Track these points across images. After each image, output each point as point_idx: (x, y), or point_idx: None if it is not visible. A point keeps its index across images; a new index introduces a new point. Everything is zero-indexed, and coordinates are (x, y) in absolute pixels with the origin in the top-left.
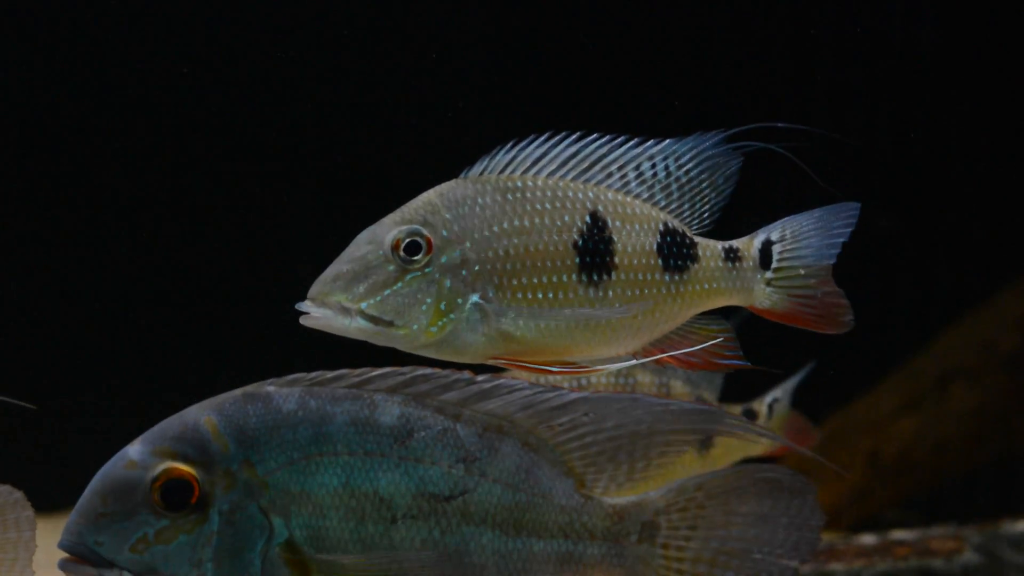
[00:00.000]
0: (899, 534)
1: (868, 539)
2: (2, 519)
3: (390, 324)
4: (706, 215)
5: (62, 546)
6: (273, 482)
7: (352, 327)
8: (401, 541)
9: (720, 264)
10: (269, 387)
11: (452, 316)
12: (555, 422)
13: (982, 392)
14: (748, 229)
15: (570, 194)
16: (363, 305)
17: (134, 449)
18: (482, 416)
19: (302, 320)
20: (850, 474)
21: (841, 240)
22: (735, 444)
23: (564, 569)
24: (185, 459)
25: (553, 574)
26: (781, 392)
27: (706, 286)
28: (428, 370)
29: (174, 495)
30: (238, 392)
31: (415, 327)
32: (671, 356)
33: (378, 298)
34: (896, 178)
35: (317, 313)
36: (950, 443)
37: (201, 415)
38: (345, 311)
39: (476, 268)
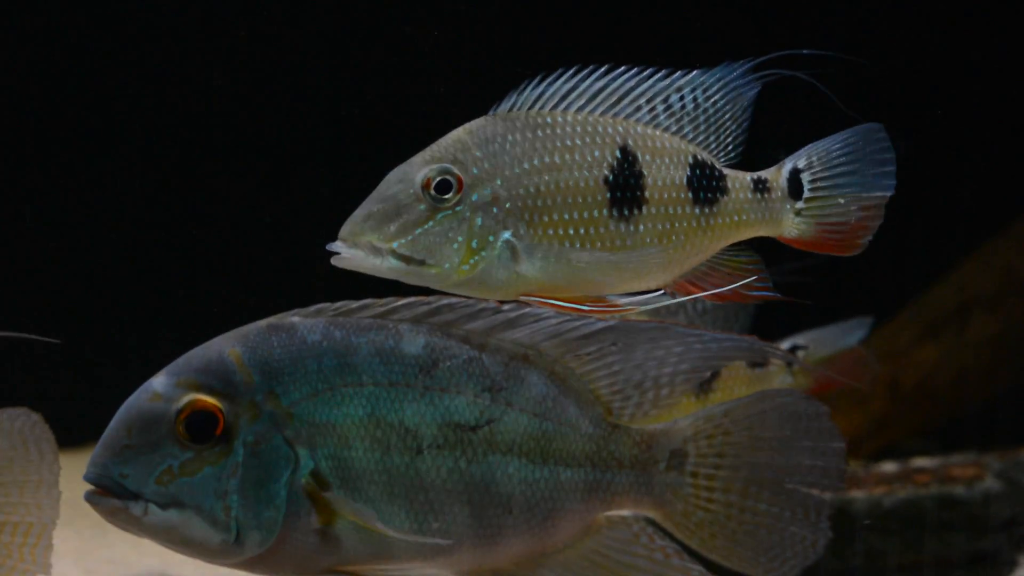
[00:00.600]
0: (920, 462)
1: (889, 467)
2: (23, 442)
3: (422, 263)
4: (731, 147)
5: (87, 478)
6: (298, 413)
7: (383, 267)
8: (427, 471)
9: (749, 195)
10: (293, 318)
11: (483, 254)
12: (582, 351)
13: (1001, 320)
14: (774, 161)
15: (600, 129)
16: (394, 244)
17: (158, 381)
18: (508, 345)
19: (333, 260)
20: (871, 401)
21: (891, 168)
22: (736, 388)
23: (592, 498)
24: (210, 391)
25: (580, 503)
26: (803, 339)
27: (736, 218)
28: (454, 299)
29: (199, 427)
30: (262, 323)
31: (447, 266)
32: (697, 286)
33: (409, 237)
34: (916, 104)
35: (348, 253)
36: (970, 371)
37: (226, 346)
38: (376, 251)
39: (507, 205)
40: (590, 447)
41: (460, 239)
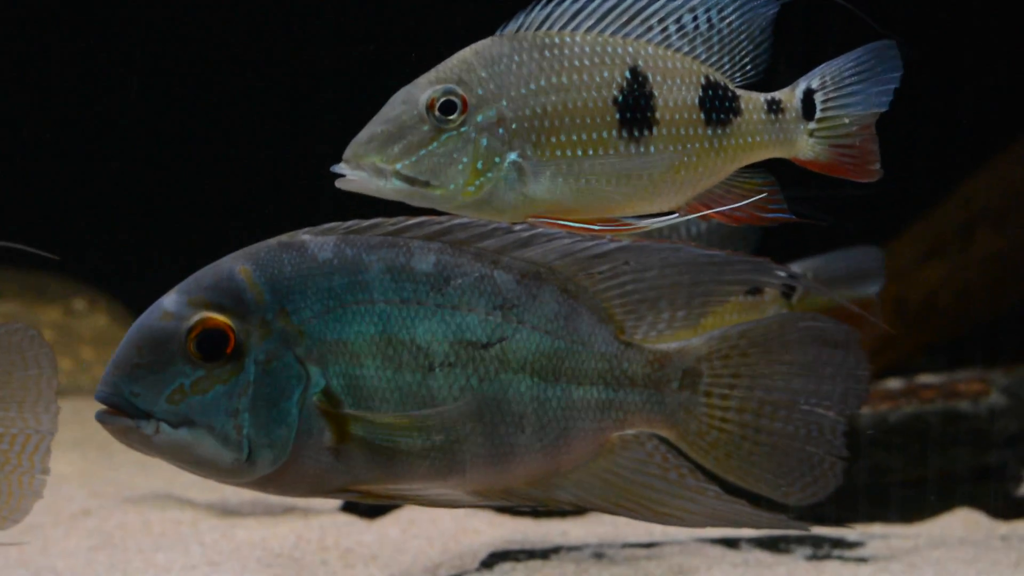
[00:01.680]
0: (925, 378)
1: (894, 383)
2: (22, 357)
3: (426, 184)
4: (748, 67)
5: (98, 397)
6: (309, 331)
7: (388, 188)
8: (439, 389)
9: (763, 116)
10: (304, 236)
11: (489, 175)
12: (595, 270)
13: (1007, 237)
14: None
15: (609, 49)
16: (398, 166)
17: (169, 300)
18: (520, 263)
19: (338, 183)
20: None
21: (892, 87)
22: (727, 316)
23: (604, 416)
24: (220, 309)
25: (593, 422)
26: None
27: (749, 139)
28: (465, 219)
29: (210, 345)
30: (273, 241)
31: (452, 187)
32: (715, 211)
33: (413, 158)
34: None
35: (352, 175)
36: (975, 289)
37: (236, 264)
38: (380, 172)
39: (513, 126)
40: (602, 365)
41: (465, 160)
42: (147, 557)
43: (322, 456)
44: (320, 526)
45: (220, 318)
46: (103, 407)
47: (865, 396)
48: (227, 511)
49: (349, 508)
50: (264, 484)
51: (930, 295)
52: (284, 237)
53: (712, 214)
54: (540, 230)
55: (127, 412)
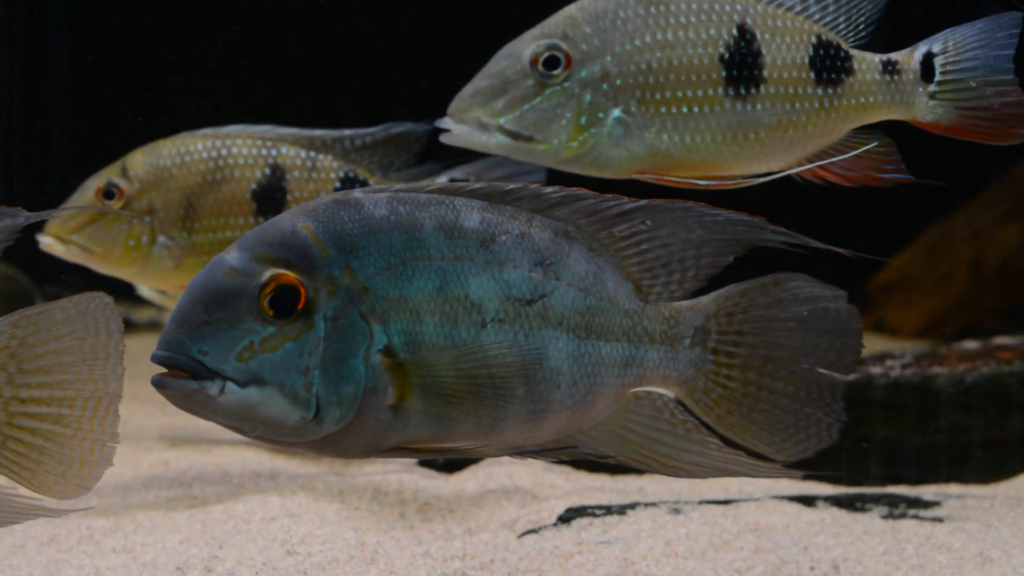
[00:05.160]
0: (1002, 340)
1: (971, 344)
2: (94, 323)
3: (529, 139)
4: (862, 27)
5: (158, 359)
6: (373, 287)
7: (491, 142)
8: (490, 344)
9: (878, 77)
10: (357, 194)
11: (593, 131)
12: (615, 229)
13: None
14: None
15: (716, 6)
16: (502, 120)
17: (232, 256)
18: (551, 222)
19: (442, 138)
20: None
21: (1008, 52)
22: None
23: (626, 373)
24: (288, 265)
25: (617, 378)
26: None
27: (862, 100)
28: (497, 182)
29: (282, 302)
30: (327, 199)
31: (555, 142)
32: (826, 168)
33: (516, 113)
34: None
35: (456, 129)
36: None
37: (297, 221)
38: (484, 127)
39: (618, 82)
40: (626, 322)
41: (568, 115)
42: (227, 508)
43: (383, 414)
44: (398, 480)
45: (291, 275)
46: (160, 372)
47: (858, 352)
48: (305, 464)
49: (426, 463)
50: (323, 445)
51: (1007, 257)
52: (337, 195)
53: (825, 172)
54: (568, 191)
55: (191, 373)
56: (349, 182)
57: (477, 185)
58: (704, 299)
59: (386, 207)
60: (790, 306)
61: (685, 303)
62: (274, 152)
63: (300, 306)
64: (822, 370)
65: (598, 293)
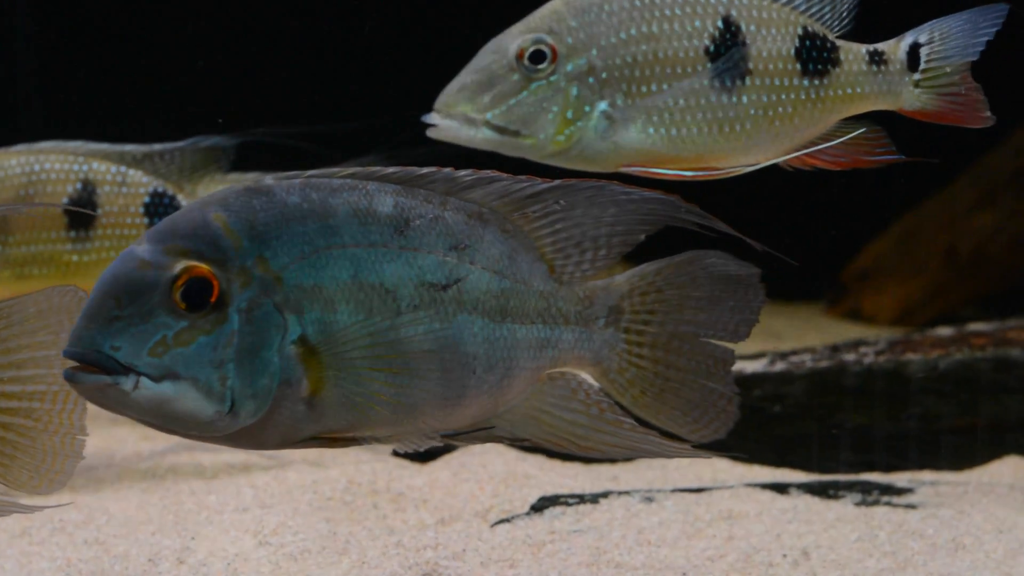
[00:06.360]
0: (976, 326)
1: (944, 331)
2: (68, 316)
3: (516, 133)
4: (846, 17)
5: (70, 354)
6: (287, 277)
7: (478, 137)
8: (406, 333)
9: (864, 67)
10: (268, 181)
11: (580, 124)
12: (528, 209)
13: None
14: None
15: None
16: (488, 115)
17: (143, 249)
18: (464, 204)
19: (428, 132)
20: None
21: (985, 39)
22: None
23: (541, 355)
24: (200, 257)
25: (532, 360)
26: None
27: (849, 90)
28: (410, 167)
29: (195, 294)
30: (238, 187)
31: (542, 136)
32: (815, 155)
33: (503, 108)
34: None
35: (443, 124)
36: None
37: (208, 211)
38: (471, 122)
39: (603, 76)
40: (541, 304)
41: (555, 109)
42: (199, 499)
43: (298, 406)
44: (372, 470)
45: (203, 267)
46: (72, 364)
47: (753, 323)
48: (278, 454)
49: (401, 453)
50: (237, 438)
51: (981, 244)
52: (248, 183)
53: (814, 159)
54: (481, 173)
55: (104, 368)
56: (158, 196)
57: (390, 170)
58: (618, 278)
59: (298, 194)
60: (702, 284)
61: (599, 283)
62: (85, 167)
63: (213, 299)
64: (717, 343)
65: (512, 275)
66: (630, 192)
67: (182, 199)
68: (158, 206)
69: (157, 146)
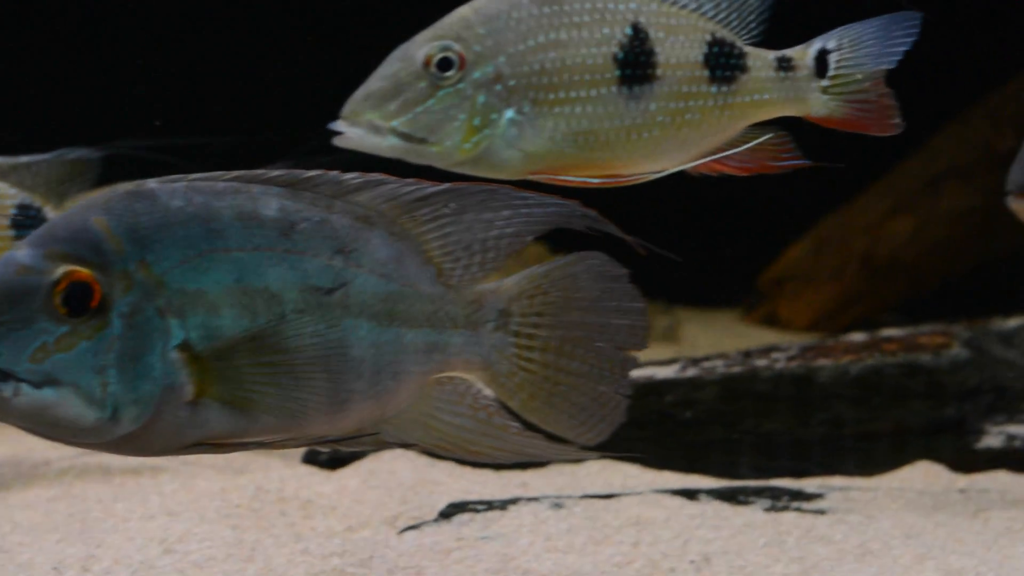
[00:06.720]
0: (888, 332)
1: (857, 337)
2: None
3: (423, 141)
4: (754, 24)
5: None
6: (169, 281)
7: (384, 145)
8: (290, 337)
9: (772, 74)
10: (151, 184)
11: (487, 132)
12: (417, 213)
13: (974, 192)
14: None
15: (610, 6)
16: (395, 123)
17: (23, 254)
18: (352, 207)
19: (335, 140)
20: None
21: (902, 48)
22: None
23: (429, 359)
24: (81, 261)
25: (420, 365)
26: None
27: (756, 97)
28: (296, 170)
29: (76, 299)
30: (120, 190)
31: (448, 143)
32: (721, 162)
33: (410, 115)
34: None
35: (350, 132)
36: (942, 244)
37: (89, 215)
38: (377, 129)
39: (511, 83)
40: (429, 308)
41: (462, 117)
42: (106, 507)
43: (181, 411)
44: (280, 477)
45: (84, 271)
46: None
47: (645, 329)
48: (187, 461)
49: (310, 459)
50: (120, 444)
51: (898, 250)
52: (131, 185)
53: (720, 166)
54: (370, 176)
55: None
56: (24, 209)
57: (275, 173)
58: (507, 281)
59: (182, 198)
60: (586, 286)
61: (489, 286)
62: None
63: (94, 303)
64: (614, 348)
65: (400, 279)
66: (525, 196)
67: (49, 211)
68: (25, 219)
69: (24, 158)
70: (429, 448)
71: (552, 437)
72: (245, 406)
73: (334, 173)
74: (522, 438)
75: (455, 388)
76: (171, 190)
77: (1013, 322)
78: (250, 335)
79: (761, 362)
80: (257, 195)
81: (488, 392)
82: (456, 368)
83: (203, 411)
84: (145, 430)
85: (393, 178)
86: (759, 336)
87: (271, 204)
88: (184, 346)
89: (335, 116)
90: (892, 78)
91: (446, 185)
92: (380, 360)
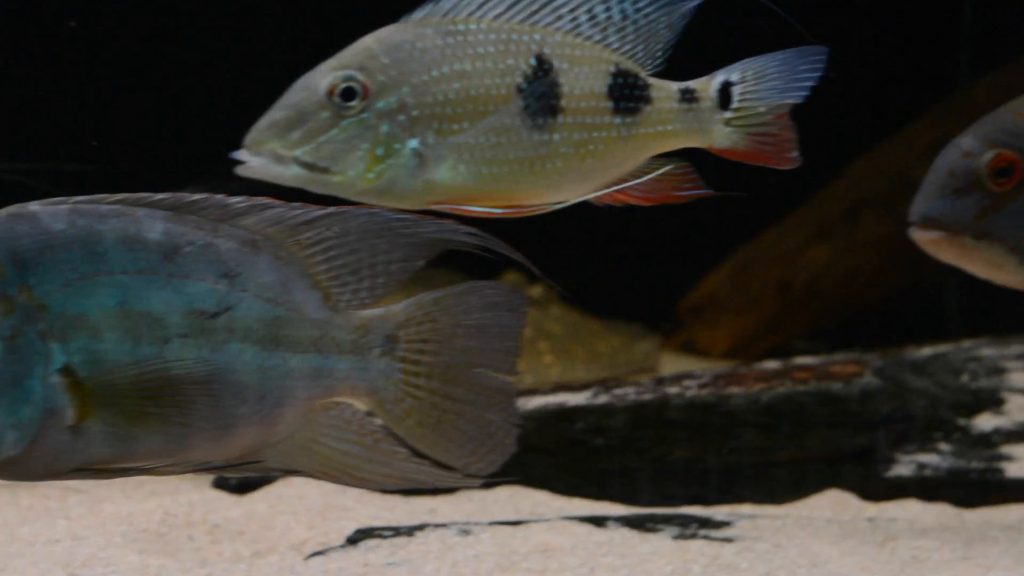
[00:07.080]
0: (802, 360)
1: (771, 364)
2: None
3: (325, 171)
4: (659, 55)
5: None
6: (51, 304)
7: (287, 175)
8: (173, 362)
9: (675, 105)
10: (33, 206)
11: (389, 162)
12: (302, 236)
13: (893, 221)
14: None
15: (514, 37)
16: (297, 152)
17: None
18: (237, 231)
19: (237, 169)
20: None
21: (808, 83)
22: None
23: (315, 385)
24: None
25: (305, 391)
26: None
27: (660, 128)
28: (182, 193)
29: None
30: (2, 213)
31: (351, 173)
32: (624, 192)
33: (312, 145)
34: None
35: (252, 161)
36: (860, 273)
37: None
38: (279, 159)
39: (415, 113)
40: (315, 332)
41: (365, 147)
42: (11, 531)
43: (63, 436)
44: (188, 502)
45: None
46: None
47: (516, 352)
48: (97, 485)
49: (219, 484)
50: (0, 469)
51: (815, 278)
52: (12, 208)
53: (624, 196)
54: (256, 200)
55: None
56: None
57: (160, 196)
58: (395, 307)
59: (64, 220)
60: (474, 313)
61: (376, 311)
62: None
63: None
64: (493, 374)
65: (286, 303)
66: (405, 218)
67: None
68: None
69: None
70: (314, 474)
71: (439, 463)
72: (127, 431)
73: (219, 196)
74: (409, 464)
75: (341, 414)
76: (54, 212)
77: (926, 351)
78: (132, 359)
79: (673, 389)
80: (141, 218)
81: (376, 419)
82: (343, 394)
83: (85, 436)
84: (26, 455)
85: (279, 202)
86: (675, 363)
87: (155, 227)
88: (66, 370)
89: (238, 145)
90: (810, 108)
91: (330, 208)
92: (265, 385)
